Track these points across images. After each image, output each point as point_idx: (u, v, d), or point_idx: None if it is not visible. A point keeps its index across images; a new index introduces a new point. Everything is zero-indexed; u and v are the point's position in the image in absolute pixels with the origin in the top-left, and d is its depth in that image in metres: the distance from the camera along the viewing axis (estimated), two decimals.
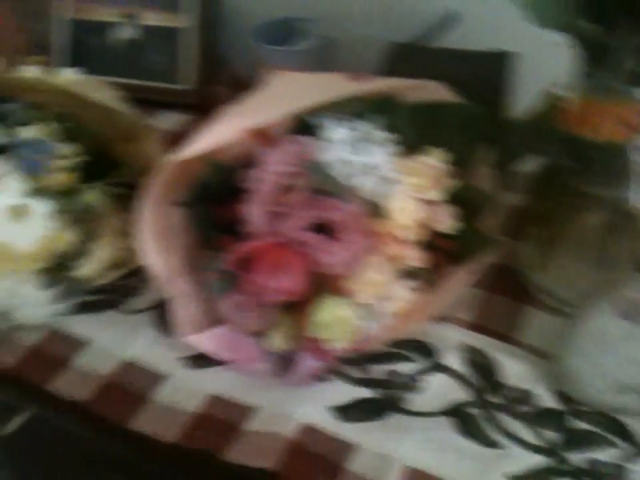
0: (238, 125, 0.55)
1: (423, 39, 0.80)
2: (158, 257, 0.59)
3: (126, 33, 0.95)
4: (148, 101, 0.87)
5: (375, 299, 0.57)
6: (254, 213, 0.54)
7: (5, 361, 0.61)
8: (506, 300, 0.65)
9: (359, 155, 0.56)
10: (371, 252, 0.55)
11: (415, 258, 0.59)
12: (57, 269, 0.61)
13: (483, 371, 0.59)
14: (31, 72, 0.70)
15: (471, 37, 0.79)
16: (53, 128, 0.60)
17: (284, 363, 0.59)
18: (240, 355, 0.59)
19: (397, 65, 0.75)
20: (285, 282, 0.51)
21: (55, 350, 0.62)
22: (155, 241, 0.59)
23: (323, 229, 0.54)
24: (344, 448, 0.54)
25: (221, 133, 0.55)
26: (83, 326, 0.65)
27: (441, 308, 0.62)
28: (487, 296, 0.66)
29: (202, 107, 0.93)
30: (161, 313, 0.65)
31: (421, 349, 0.61)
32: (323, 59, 0.85)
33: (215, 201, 0.58)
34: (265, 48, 0.84)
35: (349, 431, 0.55)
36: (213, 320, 0.61)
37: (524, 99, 0.70)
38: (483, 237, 0.63)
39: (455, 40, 0.79)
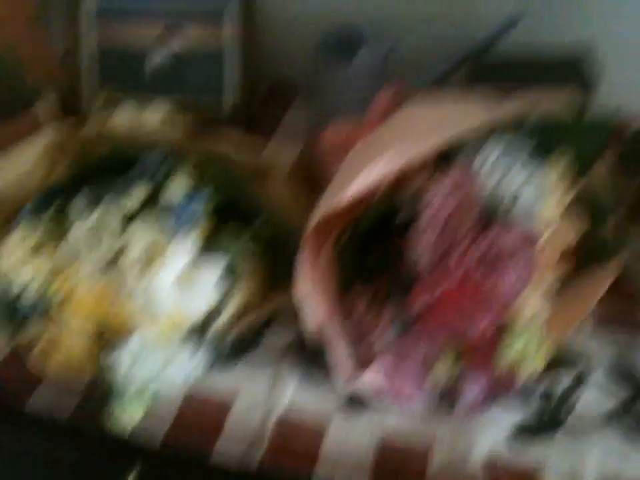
0: (390, 164, 0.54)
1: (491, 42, 0.80)
2: (314, 302, 0.58)
3: (160, 55, 0.90)
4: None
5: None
6: (422, 248, 0.54)
7: (156, 433, 0.59)
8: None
9: (511, 177, 0.57)
10: (537, 273, 0.56)
11: (556, 270, 0.61)
12: (202, 327, 0.58)
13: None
14: (126, 113, 0.67)
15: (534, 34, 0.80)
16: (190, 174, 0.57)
17: (450, 395, 0.60)
18: (404, 390, 0.59)
19: (476, 76, 0.76)
20: (486, 321, 0.51)
21: (204, 413, 0.60)
22: (310, 286, 0.58)
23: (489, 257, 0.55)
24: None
25: (373, 174, 0.54)
26: (223, 380, 0.62)
27: (578, 319, 0.63)
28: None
29: (249, 122, 0.91)
30: (300, 357, 0.64)
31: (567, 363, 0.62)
32: (387, 67, 0.84)
33: (369, 240, 0.58)
34: (325, 61, 0.82)
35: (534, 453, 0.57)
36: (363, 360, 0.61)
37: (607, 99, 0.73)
38: (607, 243, 0.65)
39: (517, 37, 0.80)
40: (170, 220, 0.53)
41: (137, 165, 0.57)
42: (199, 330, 0.58)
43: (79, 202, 0.55)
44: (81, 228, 0.52)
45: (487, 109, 0.58)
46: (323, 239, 0.57)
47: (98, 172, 0.58)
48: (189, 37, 0.89)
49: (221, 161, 0.59)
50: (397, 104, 0.67)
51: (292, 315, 0.65)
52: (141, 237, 0.52)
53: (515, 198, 0.56)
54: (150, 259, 0.52)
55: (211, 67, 0.89)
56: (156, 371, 0.56)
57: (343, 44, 0.84)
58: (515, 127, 0.59)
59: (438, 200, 0.54)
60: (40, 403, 0.60)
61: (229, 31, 0.88)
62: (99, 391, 0.57)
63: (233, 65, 0.89)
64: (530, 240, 0.55)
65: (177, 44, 0.89)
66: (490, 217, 0.55)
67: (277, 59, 0.95)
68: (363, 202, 0.56)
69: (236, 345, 0.62)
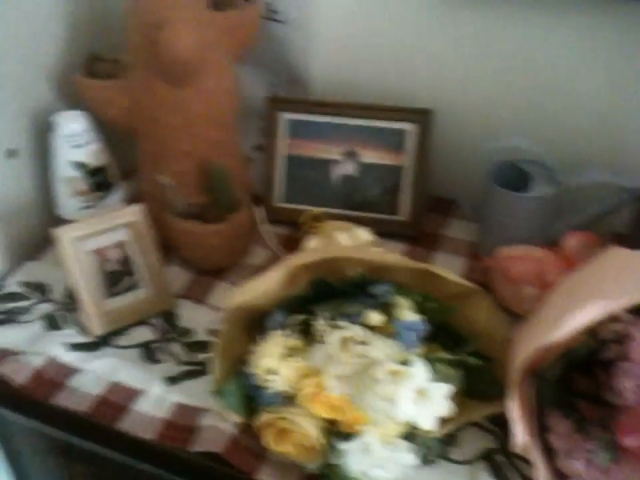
0: (600, 311, 0.61)
1: None
2: (520, 422, 0.65)
3: (344, 168, 1.02)
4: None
5: None
6: (626, 385, 0.61)
7: None
8: None
9: None
10: None
11: None
12: (413, 430, 0.66)
13: None
14: (344, 236, 0.77)
15: None
16: (410, 304, 0.66)
17: None
18: None
19: None
20: None
21: None
22: (518, 407, 0.65)
23: None
24: None
25: (584, 318, 0.61)
26: (428, 476, 0.69)
27: None
28: None
29: (418, 237, 1.01)
30: (494, 466, 0.71)
31: None
32: (556, 204, 0.91)
33: (575, 371, 0.65)
34: (500, 191, 0.89)
35: None
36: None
37: None
38: None
39: None
40: (401, 341, 0.62)
41: (369, 291, 0.67)
42: (412, 432, 0.66)
43: (322, 314, 0.65)
44: (334, 337, 0.61)
45: None
46: (530, 366, 0.65)
47: (332, 290, 0.69)
48: (367, 157, 1.01)
49: (433, 292, 0.68)
50: (587, 248, 0.75)
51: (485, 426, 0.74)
52: (384, 352, 0.61)
53: None
54: (394, 373, 0.60)
55: (384, 184, 1.01)
56: (378, 464, 0.64)
57: (514, 176, 0.92)
58: None
59: None
60: (266, 476, 0.69)
61: (409, 154, 1.00)
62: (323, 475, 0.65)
63: (408, 184, 1.01)
64: None
65: (356, 162, 1.01)
66: None
67: (444, 182, 1.06)
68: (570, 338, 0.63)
69: (440, 447, 0.69)
